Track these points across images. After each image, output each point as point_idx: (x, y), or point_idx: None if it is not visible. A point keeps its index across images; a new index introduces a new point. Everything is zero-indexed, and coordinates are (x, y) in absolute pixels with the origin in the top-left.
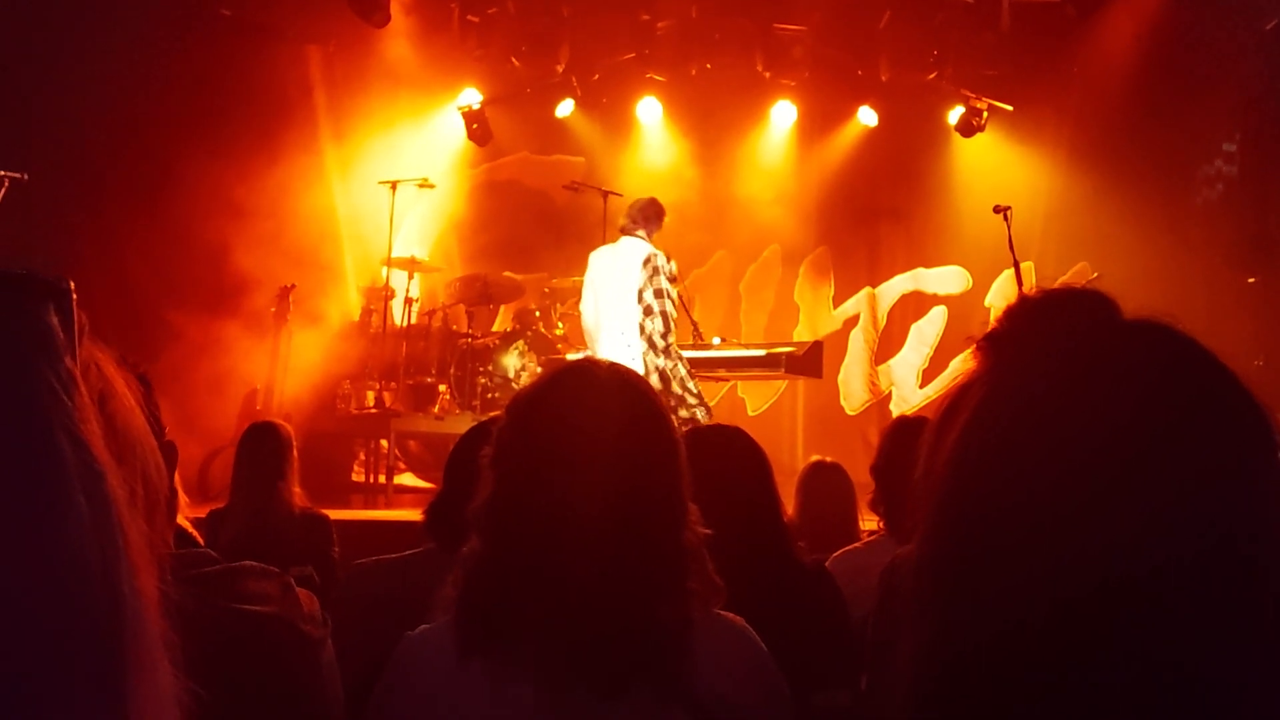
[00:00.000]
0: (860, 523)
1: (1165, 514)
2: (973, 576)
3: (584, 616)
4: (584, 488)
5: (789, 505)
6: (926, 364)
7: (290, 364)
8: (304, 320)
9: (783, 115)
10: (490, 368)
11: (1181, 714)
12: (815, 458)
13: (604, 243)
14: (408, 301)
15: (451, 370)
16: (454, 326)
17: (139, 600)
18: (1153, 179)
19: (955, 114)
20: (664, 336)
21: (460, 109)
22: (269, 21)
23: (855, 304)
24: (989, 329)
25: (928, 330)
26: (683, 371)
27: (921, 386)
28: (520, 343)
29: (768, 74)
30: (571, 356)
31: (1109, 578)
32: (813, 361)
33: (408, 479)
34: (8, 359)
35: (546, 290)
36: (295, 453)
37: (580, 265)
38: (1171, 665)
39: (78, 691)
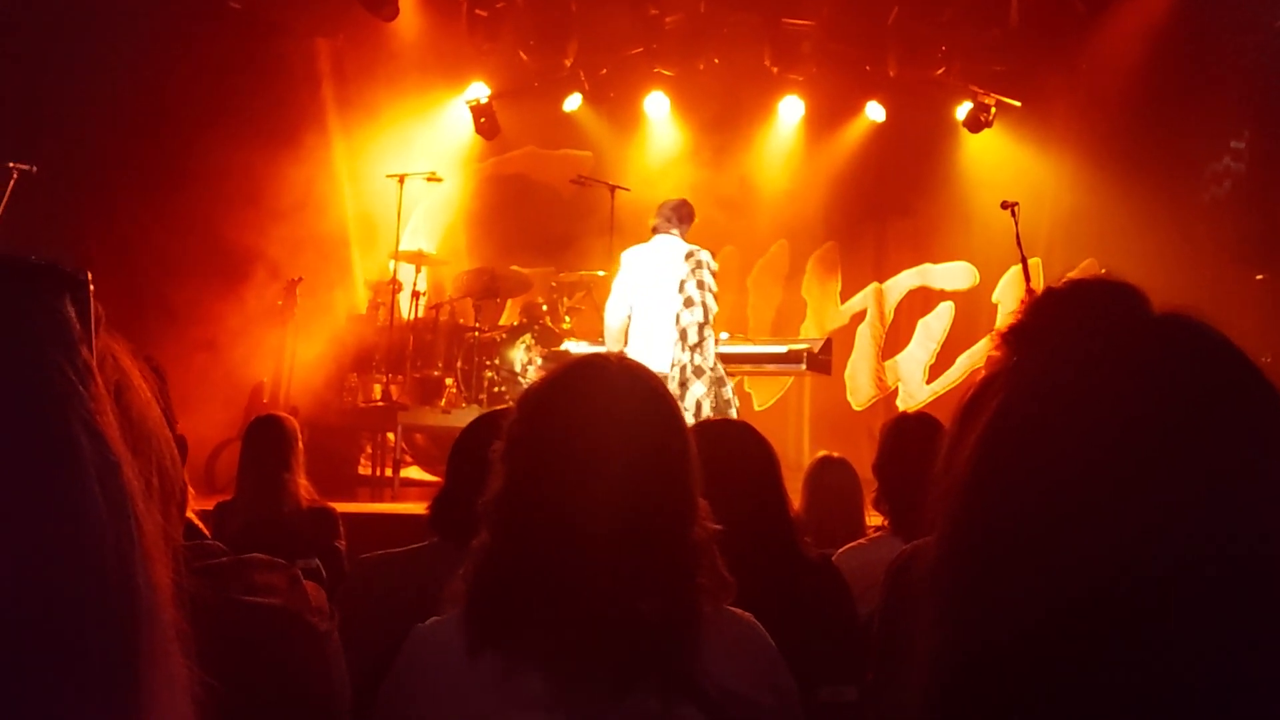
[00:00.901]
0: (866, 518)
1: (1192, 510)
2: (995, 573)
3: (594, 611)
4: (595, 483)
5: (795, 500)
6: (933, 360)
7: (297, 357)
8: (311, 313)
9: (790, 110)
10: (497, 361)
11: (1207, 711)
12: (822, 453)
13: (611, 237)
14: (415, 295)
15: (458, 364)
16: (461, 320)
17: (153, 591)
18: (1161, 175)
19: (963, 110)
20: (700, 329)
21: (468, 103)
22: (278, 15)
23: (862, 299)
24: (1011, 320)
25: (935, 326)
26: (720, 370)
27: (928, 382)
28: (527, 336)
29: (776, 69)
30: (574, 349)
31: (1135, 574)
32: (826, 358)
33: (414, 472)
34: (25, 350)
35: (554, 284)
36: (301, 445)
37: (586, 260)
38: (1196, 662)
39: (92, 681)
